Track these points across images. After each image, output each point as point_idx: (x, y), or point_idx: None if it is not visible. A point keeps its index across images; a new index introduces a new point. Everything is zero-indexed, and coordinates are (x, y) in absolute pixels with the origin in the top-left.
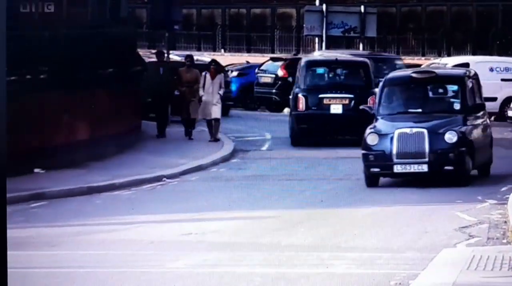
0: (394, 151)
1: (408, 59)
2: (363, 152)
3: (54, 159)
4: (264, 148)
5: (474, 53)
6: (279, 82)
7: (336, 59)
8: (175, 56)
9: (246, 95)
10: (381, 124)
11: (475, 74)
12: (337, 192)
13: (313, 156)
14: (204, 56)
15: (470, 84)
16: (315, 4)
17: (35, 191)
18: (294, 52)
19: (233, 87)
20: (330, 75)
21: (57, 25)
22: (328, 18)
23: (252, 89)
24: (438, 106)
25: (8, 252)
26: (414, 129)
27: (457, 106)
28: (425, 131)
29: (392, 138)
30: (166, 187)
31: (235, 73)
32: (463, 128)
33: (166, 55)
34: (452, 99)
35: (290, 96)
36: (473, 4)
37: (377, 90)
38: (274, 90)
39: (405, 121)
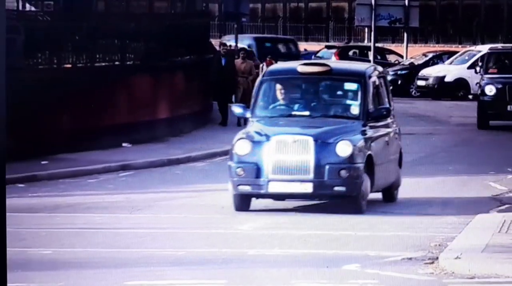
0: (270, 165)
1: (446, 47)
2: (230, 163)
3: (139, 134)
4: None
5: (505, 42)
6: None
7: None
8: (241, 45)
9: None
10: (255, 129)
11: (383, 71)
12: None
13: None
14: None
15: (374, 84)
16: None
17: (123, 162)
18: (346, 41)
19: None
20: None
21: (141, 18)
22: (376, 11)
23: None
24: (331, 110)
25: (99, 215)
26: (297, 137)
27: (355, 110)
28: (310, 139)
29: (268, 148)
30: None
31: None
32: (361, 138)
33: (229, 46)
34: (349, 102)
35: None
36: None
37: None
38: None
39: (286, 126)
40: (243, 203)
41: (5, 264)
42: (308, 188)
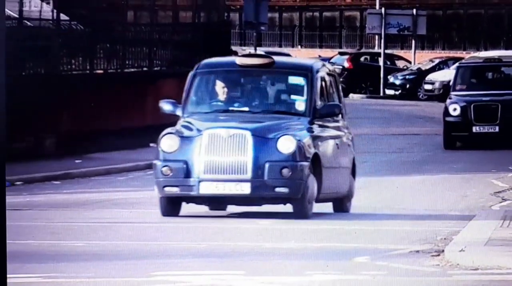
0: (202, 163)
1: (451, 53)
2: (155, 162)
3: None
4: None
5: (506, 48)
6: (345, 72)
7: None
8: (260, 52)
9: None
10: (185, 123)
11: (334, 71)
12: (391, 163)
13: (371, 132)
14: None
15: (323, 80)
16: (375, 8)
17: (150, 161)
18: (358, 48)
19: None
20: None
21: (168, 27)
22: (386, 19)
23: None
24: (274, 106)
25: (127, 210)
26: (233, 131)
27: (301, 106)
28: (248, 134)
29: (199, 144)
30: None
31: None
32: (307, 135)
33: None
34: (294, 97)
35: None
36: (506, 8)
37: None
38: (341, 79)
39: (221, 121)
40: (171, 207)
41: (5, 262)
42: (245, 189)
